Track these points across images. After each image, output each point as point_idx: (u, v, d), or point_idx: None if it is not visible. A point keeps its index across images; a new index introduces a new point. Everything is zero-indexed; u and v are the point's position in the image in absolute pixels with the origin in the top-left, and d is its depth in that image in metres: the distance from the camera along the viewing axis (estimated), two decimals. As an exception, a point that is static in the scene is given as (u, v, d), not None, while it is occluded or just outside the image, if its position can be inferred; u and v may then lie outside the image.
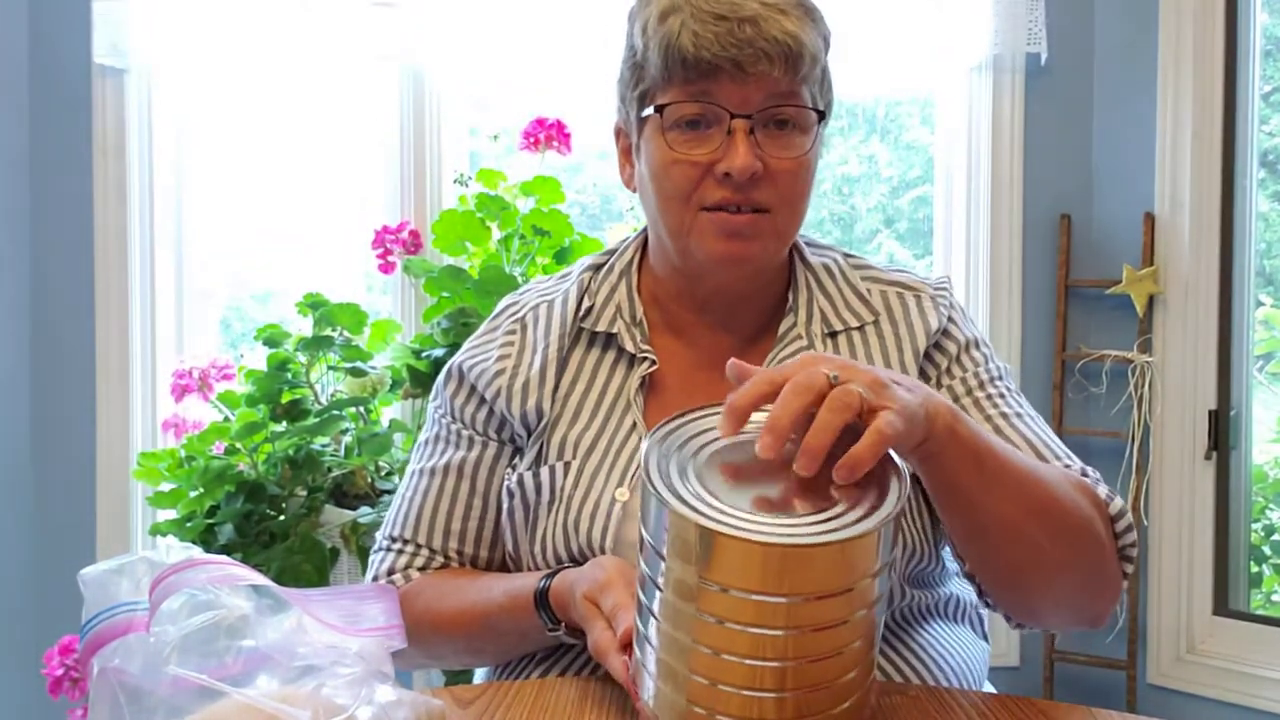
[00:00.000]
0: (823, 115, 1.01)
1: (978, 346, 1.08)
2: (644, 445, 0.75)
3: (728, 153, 0.97)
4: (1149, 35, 2.23)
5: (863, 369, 0.77)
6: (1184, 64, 2.18)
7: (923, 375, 1.05)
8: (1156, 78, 2.22)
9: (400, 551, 1.11)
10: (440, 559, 1.10)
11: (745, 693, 0.70)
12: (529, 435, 1.07)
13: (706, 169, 0.98)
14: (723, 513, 0.69)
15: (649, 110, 1.00)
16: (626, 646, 0.81)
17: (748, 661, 0.69)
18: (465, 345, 1.14)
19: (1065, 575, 0.91)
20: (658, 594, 0.72)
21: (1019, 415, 1.03)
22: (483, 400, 1.09)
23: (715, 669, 0.70)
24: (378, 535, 1.15)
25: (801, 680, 0.70)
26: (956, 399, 1.04)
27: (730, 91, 0.96)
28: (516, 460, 1.08)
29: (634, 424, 1.04)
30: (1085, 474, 0.99)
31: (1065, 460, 1.00)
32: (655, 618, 0.73)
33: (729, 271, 1.02)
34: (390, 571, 1.11)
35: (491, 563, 1.11)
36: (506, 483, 1.06)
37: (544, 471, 1.04)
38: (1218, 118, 2.17)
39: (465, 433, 1.10)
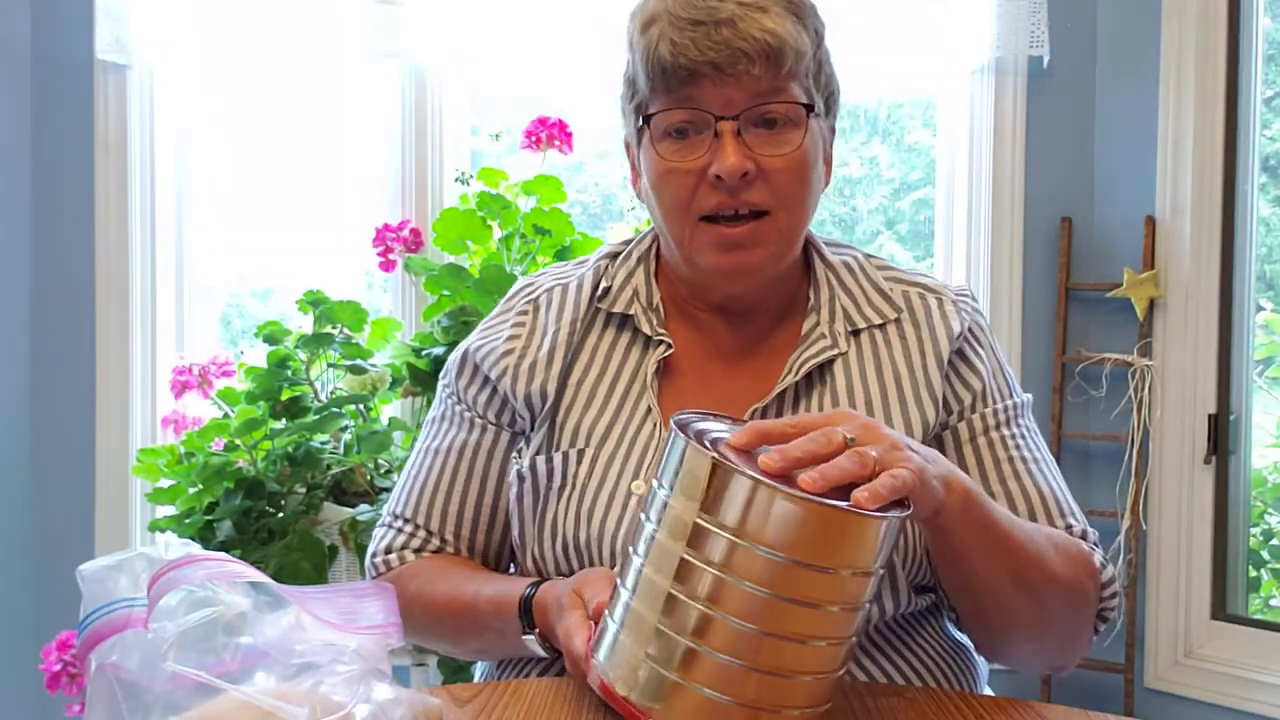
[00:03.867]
0: (811, 108, 1.00)
1: (1004, 377, 1.08)
2: (676, 414, 0.78)
3: (716, 155, 0.97)
4: (1151, 39, 2.23)
5: (885, 432, 0.77)
6: (1186, 68, 2.18)
7: (946, 403, 1.05)
8: (1158, 81, 2.22)
9: (400, 530, 1.12)
10: (437, 541, 1.11)
11: (706, 652, 0.70)
12: (532, 419, 1.07)
13: (700, 175, 0.98)
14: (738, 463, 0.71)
15: (640, 122, 1.01)
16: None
17: (717, 615, 0.70)
18: (478, 327, 1.14)
19: (1044, 636, 0.96)
20: (649, 534, 0.74)
21: (1036, 461, 1.05)
22: (486, 381, 1.09)
23: (684, 619, 0.71)
24: (383, 510, 1.16)
25: (766, 658, 0.70)
26: (976, 435, 1.05)
27: (713, 94, 0.97)
28: (521, 446, 1.08)
29: (649, 409, 1.04)
30: (1085, 535, 1.02)
31: (1070, 518, 1.03)
32: (640, 560, 0.74)
33: (735, 282, 1.03)
34: (388, 550, 1.11)
35: (489, 547, 1.12)
36: (516, 467, 1.06)
37: (557, 457, 1.03)
38: (1219, 122, 2.17)
39: (468, 415, 1.11)
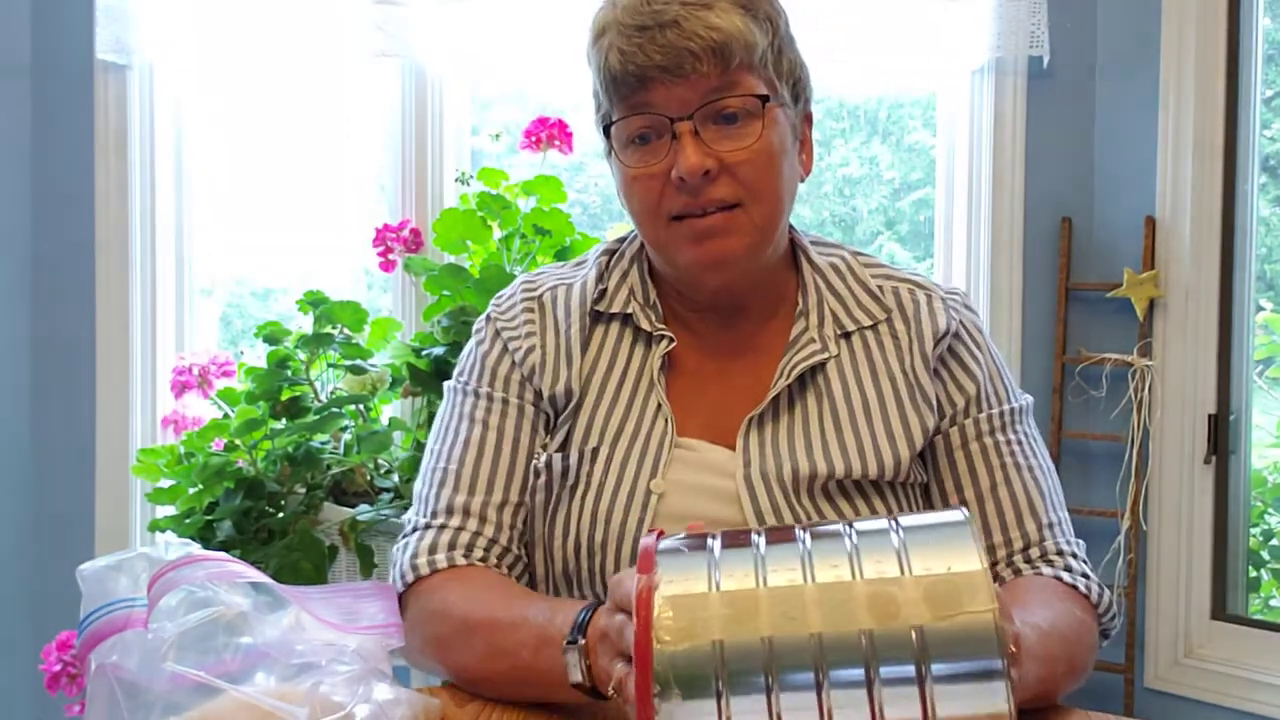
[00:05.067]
0: (767, 98, 0.99)
1: (1001, 380, 1.08)
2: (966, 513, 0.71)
3: (677, 157, 0.97)
4: (1151, 39, 2.23)
5: (1013, 615, 0.74)
6: (1186, 68, 2.18)
7: (940, 406, 1.05)
8: (1158, 81, 2.22)
9: (443, 527, 1.01)
10: (491, 530, 1.01)
11: (755, 685, 0.62)
12: (557, 415, 1.06)
13: (664, 179, 0.98)
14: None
15: (605, 134, 1.02)
16: None
17: (798, 670, 0.62)
18: (491, 307, 1.12)
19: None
20: (845, 569, 0.65)
21: (1030, 468, 1.04)
22: (523, 375, 1.08)
23: (789, 655, 0.62)
24: (408, 518, 1.05)
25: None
26: (969, 441, 1.04)
27: (666, 97, 0.97)
28: (546, 439, 1.07)
29: (659, 405, 1.04)
30: (1074, 555, 1.02)
31: (1054, 529, 1.03)
32: (808, 571, 0.65)
33: (715, 275, 1.02)
34: (432, 550, 1.00)
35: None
36: (535, 461, 1.04)
37: (573, 455, 1.03)
38: (1219, 122, 2.17)
39: (507, 399, 1.06)
